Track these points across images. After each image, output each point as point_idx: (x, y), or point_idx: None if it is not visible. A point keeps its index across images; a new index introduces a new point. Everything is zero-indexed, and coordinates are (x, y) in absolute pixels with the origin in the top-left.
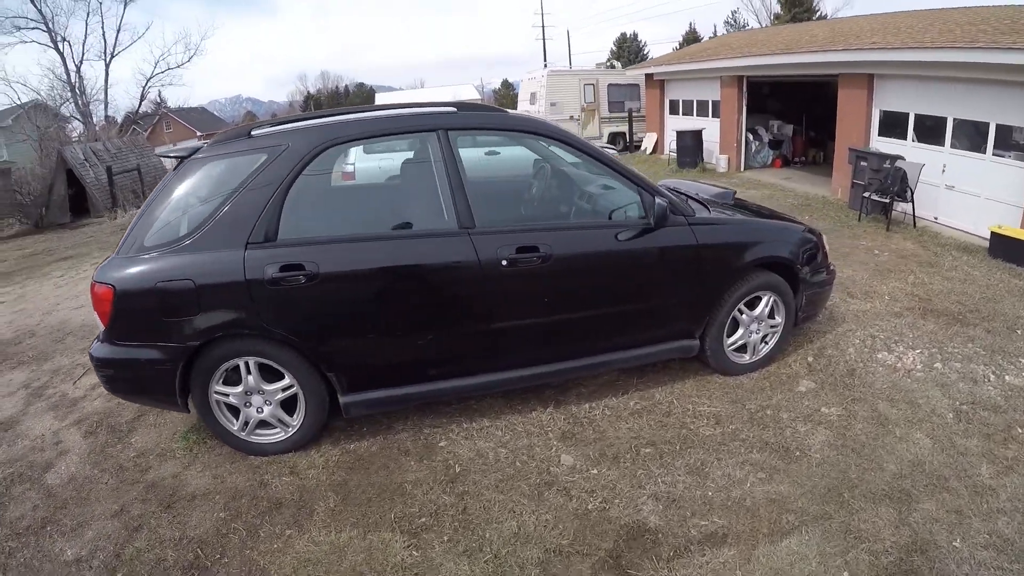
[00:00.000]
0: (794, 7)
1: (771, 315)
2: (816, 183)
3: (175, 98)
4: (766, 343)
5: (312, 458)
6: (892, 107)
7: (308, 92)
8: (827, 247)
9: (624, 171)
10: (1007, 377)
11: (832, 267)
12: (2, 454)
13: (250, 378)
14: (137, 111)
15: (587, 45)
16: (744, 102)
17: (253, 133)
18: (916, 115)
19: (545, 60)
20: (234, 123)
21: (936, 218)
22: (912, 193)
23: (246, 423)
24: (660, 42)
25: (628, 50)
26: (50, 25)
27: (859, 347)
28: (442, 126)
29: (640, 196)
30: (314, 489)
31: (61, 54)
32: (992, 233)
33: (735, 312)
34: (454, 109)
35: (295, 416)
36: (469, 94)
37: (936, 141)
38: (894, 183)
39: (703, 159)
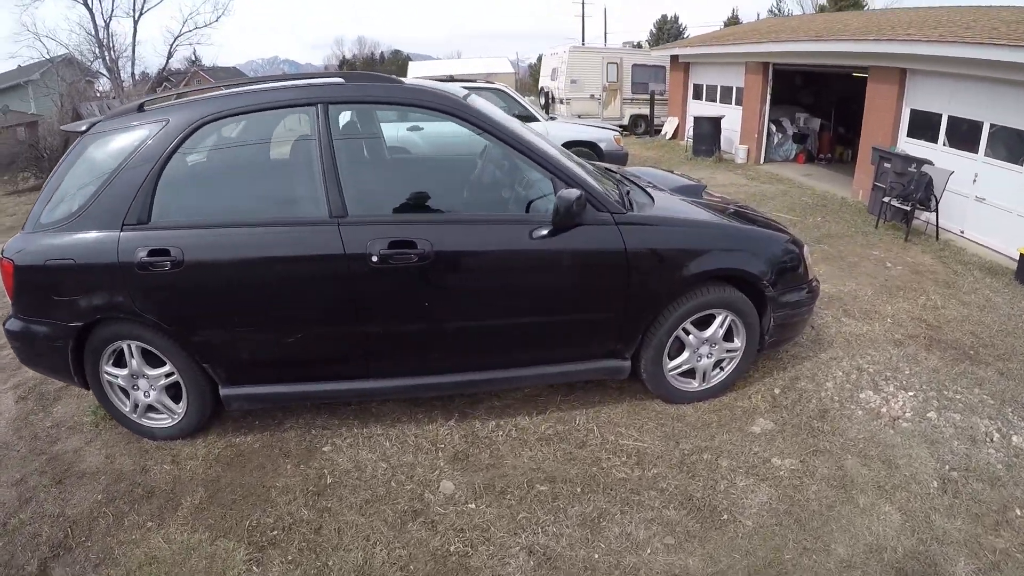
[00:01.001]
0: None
1: (728, 337)
2: (838, 182)
3: (208, 57)
4: (721, 369)
5: (196, 448)
6: (924, 106)
7: (343, 57)
8: (808, 260)
9: (534, 154)
10: (1014, 438)
11: (815, 283)
12: None
13: (133, 362)
14: (164, 69)
15: (627, 25)
16: (768, 91)
17: (144, 107)
18: (949, 117)
19: (583, 37)
20: None
21: (962, 232)
22: (937, 202)
23: (136, 405)
24: (701, 26)
25: (668, 32)
26: None
27: (841, 381)
28: (322, 99)
29: (552, 186)
30: (187, 482)
31: (90, 10)
32: (1021, 255)
33: (679, 332)
34: (341, 81)
35: (180, 404)
36: (503, 67)
37: (969, 147)
38: (917, 189)
39: (720, 148)
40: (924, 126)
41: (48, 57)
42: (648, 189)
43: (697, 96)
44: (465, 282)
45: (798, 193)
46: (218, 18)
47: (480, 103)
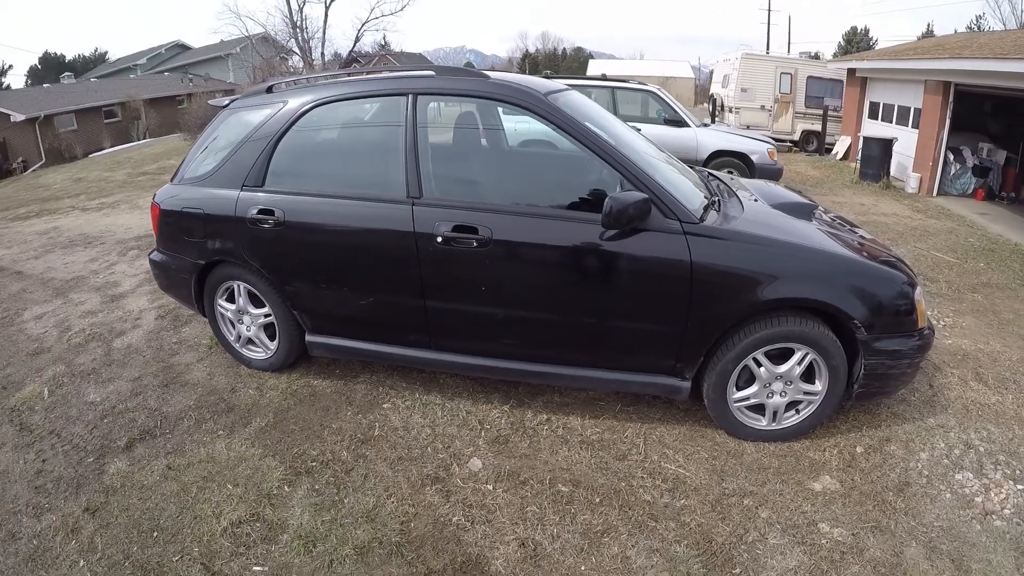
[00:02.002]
0: None
1: (808, 378)
2: (1018, 227)
3: (395, 42)
4: (797, 412)
5: (279, 381)
6: None
7: (527, 50)
8: (921, 304)
9: (607, 154)
10: None
11: (927, 332)
12: (101, 317)
13: (240, 300)
14: (352, 52)
15: (814, 35)
16: (948, 114)
17: (271, 89)
18: None
19: (768, 45)
20: None
21: None
22: None
23: (239, 337)
24: (892, 39)
25: (856, 46)
26: None
27: (939, 455)
28: (412, 90)
29: (621, 188)
30: (262, 407)
31: None
32: None
33: (749, 361)
34: (432, 74)
35: (273, 342)
36: (683, 72)
37: None
38: None
39: (889, 174)
40: None
41: (247, 35)
42: (745, 201)
43: (873, 115)
44: (520, 272)
45: (966, 233)
46: (403, 8)
47: (569, 100)
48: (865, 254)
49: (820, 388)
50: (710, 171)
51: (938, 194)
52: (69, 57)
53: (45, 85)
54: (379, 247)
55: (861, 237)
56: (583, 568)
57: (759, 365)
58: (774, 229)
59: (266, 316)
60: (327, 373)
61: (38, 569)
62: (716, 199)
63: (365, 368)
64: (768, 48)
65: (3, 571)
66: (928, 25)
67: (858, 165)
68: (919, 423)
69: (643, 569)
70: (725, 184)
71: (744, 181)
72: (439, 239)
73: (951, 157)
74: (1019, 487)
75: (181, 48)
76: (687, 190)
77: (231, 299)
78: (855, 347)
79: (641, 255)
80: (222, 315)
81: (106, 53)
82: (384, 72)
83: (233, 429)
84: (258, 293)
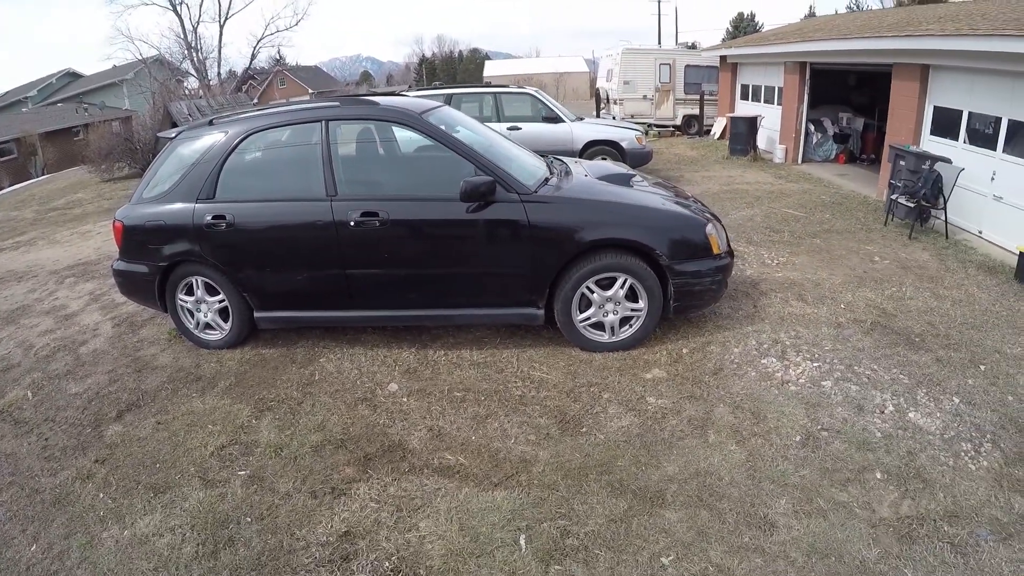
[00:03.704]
0: None
1: (633, 299)
2: (871, 182)
3: (291, 56)
4: (630, 326)
5: (234, 354)
6: (945, 103)
7: (423, 55)
8: (722, 236)
9: (464, 152)
10: (911, 414)
11: (724, 257)
12: (60, 333)
13: (199, 292)
14: (248, 69)
15: (705, 23)
16: (805, 90)
17: (213, 122)
18: (970, 113)
19: (659, 36)
20: (346, 83)
21: (980, 232)
22: (946, 200)
23: (198, 324)
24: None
25: (743, 31)
26: None
27: (750, 349)
28: (324, 117)
29: (475, 174)
30: (224, 373)
31: (179, 15)
32: (1021, 253)
33: (583, 290)
34: (336, 104)
35: (227, 323)
36: (578, 67)
37: (988, 144)
38: (924, 186)
39: (756, 147)
40: (946, 124)
41: (141, 58)
42: (576, 176)
43: (744, 96)
44: (410, 241)
45: (820, 192)
46: (297, 22)
47: (440, 114)
48: (668, 204)
49: (643, 306)
50: (556, 157)
51: (803, 162)
52: None
53: None
54: (308, 235)
55: (674, 194)
56: (473, 438)
57: (592, 292)
58: (592, 193)
59: (220, 302)
60: (272, 343)
61: (65, 507)
62: (552, 176)
63: (302, 335)
64: (660, 38)
65: (34, 516)
66: (810, 7)
67: (728, 142)
68: (738, 330)
69: (516, 435)
70: (566, 166)
71: (584, 163)
72: (352, 223)
73: (812, 128)
74: (814, 364)
75: (73, 76)
76: (526, 172)
77: (190, 292)
78: (664, 272)
79: (493, 219)
80: (182, 307)
81: None
82: (302, 104)
83: (204, 391)
84: (214, 283)
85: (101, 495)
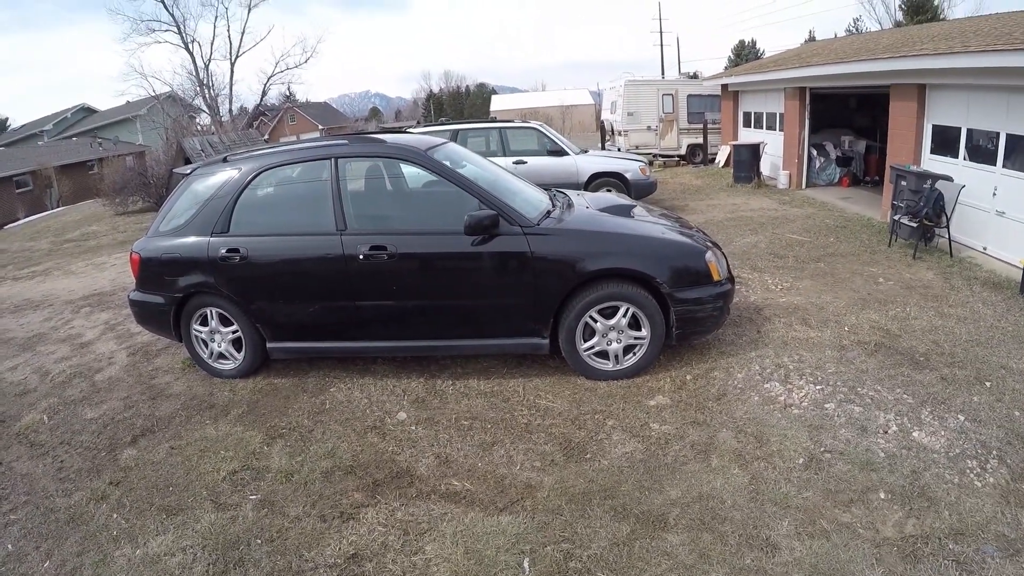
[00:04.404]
0: (917, 14)
1: (635, 327)
2: (874, 204)
3: (300, 93)
4: (634, 354)
5: (247, 383)
6: (944, 121)
7: (431, 91)
8: (723, 263)
9: (469, 188)
10: (915, 433)
11: (724, 283)
12: (76, 360)
13: (213, 322)
14: (259, 106)
15: (707, 51)
16: (806, 115)
17: (227, 159)
18: (968, 130)
19: (662, 67)
20: (355, 119)
21: (985, 248)
22: (948, 218)
23: (211, 353)
24: (779, 50)
25: (746, 58)
26: (181, 28)
27: (753, 374)
28: (333, 155)
29: (479, 208)
30: (237, 401)
31: (191, 53)
32: None
33: (587, 319)
34: (345, 142)
35: (241, 352)
36: (583, 99)
37: (988, 160)
38: (926, 205)
39: (759, 174)
40: (945, 142)
41: (154, 95)
42: (578, 208)
43: (747, 124)
44: (417, 273)
45: (824, 216)
46: (307, 60)
47: (446, 150)
48: (667, 233)
49: (646, 334)
50: (558, 189)
51: (807, 186)
52: None
53: None
54: (319, 268)
55: (676, 223)
56: (480, 465)
57: (595, 321)
58: (593, 224)
59: (234, 332)
60: (284, 373)
61: (79, 526)
62: (554, 209)
63: (313, 365)
64: (663, 69)
65: (48, 533)
66: (810, 32)
67: (732, 170)
68: (741, 356)
69: (521, 461)
70: (568, 198)
71: (586, 195)
72: (361, 257)
73: (815, 153)
74: (817, 387)
75: (87, 111)
76: (529, 205)
77: (204, 323)
78: (663, 300)
79: (497, 251)
80: (196, 337)
81: (7, 119)
82: (312, 142)
83: (217, 418)
84: (228, 315)
85: (115, 515)
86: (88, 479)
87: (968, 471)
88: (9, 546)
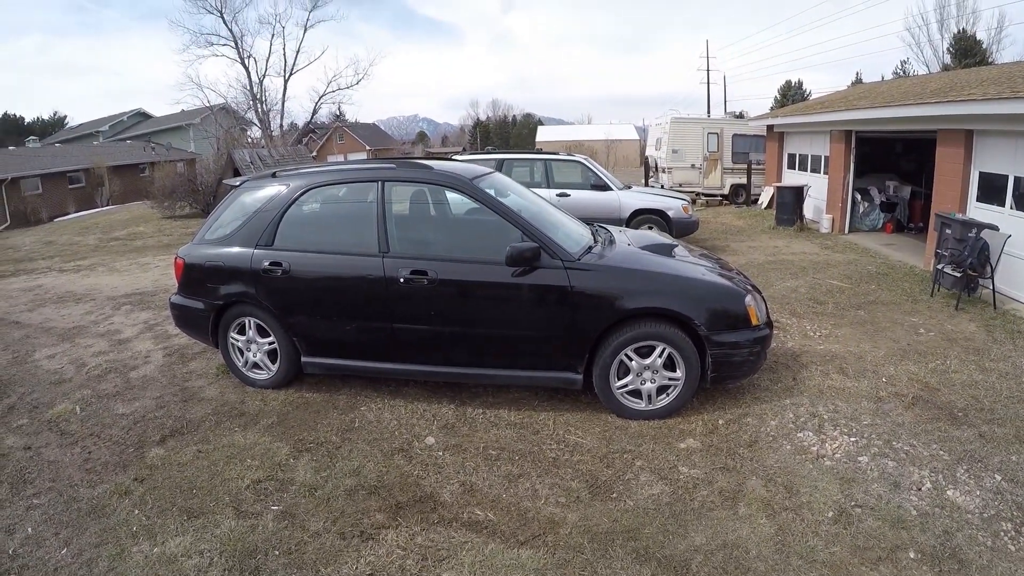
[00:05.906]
0: (965, 57)
1: (671, 367)
2: (918, 252)
3: (350, 113)
4: (667, 395)
5: (279, 395)
6: (991, 168)
7: (478, 118)
8: (762, 308)
9: (511, 218)
10: (949, 491)
11: (763, 328)
12: (113, 355)
13: (250, 332)
14: (309, 123)
15: (753, 90)
16: (851, 159)
17: (276, 174)
18: (1016, 178)
19: (708, 105)
20: (402, 142)
21: None
22: (993, 269)
23: (246, 362)
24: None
25: (791, 98)
26: (238, 43)
27: (786, 422)
28: (380, 178)
29: (522, 239)
30: (267, 411)
31: (247, 68)
32: None
33: (622, 357)
34: (393, 166)
35: (275, 364)
36: (628, 134)
37: None
38: (971, 254)
39: (802, 217)
40: (992, 190)
41: (208, 105)
42: (620, 245)
43: (791, 166)
44: (456, 300)
45: (866, 262)
46: (359, 81)
47: (492, 180)
48: (708, 274)
49: (680, 375)
50: (600, 225)
51: (850, 231)
52: (28, 119)
53: (11, 148)
54: (359, 287)
55: (716, 264)
56: (504, 496)
57: (630, 359)
58: (634, 262)
59: (270, 344)
60: (316, 388)
61: (100, 518)
62: (596, 244)
63: (345, 382)
64: (709, 107)
65: (69, 522)
66: (857, 74)
67: (774, 212)
68: (776, 403)
69: (546, 496)
70: (610, 234)
71: (628, 232)
72: (401, 280)
73: (859, 197)
74: (851, 439)
75: (143, 116)
76: (571, 239)
77: (242, 331)
78: (700, 342)
79: (537, 284)
80: (233, 345)
81: (65, 118)
82: (360, 163)
83: (246, 426)
84: (265, 326)
85: (136, 511)
86: (113, 473)
87: (1002, 533)
88: (29, 529)
